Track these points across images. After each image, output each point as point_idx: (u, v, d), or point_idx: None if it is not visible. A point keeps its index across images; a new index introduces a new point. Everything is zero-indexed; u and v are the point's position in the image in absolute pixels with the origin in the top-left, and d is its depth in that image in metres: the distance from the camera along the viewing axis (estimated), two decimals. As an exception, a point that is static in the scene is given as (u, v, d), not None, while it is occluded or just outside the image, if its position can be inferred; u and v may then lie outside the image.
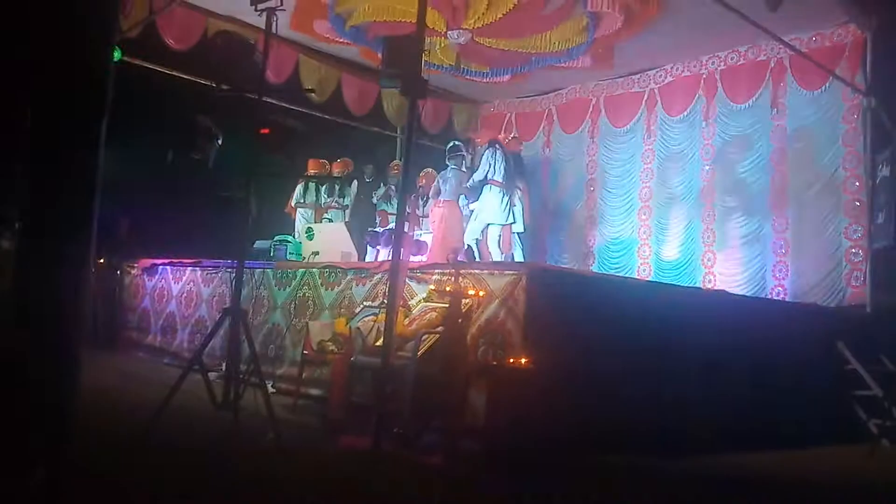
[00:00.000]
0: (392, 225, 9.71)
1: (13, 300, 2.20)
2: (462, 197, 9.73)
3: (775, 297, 8.70)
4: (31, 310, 2.20)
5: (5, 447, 2.15)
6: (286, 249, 8.26)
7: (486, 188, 9.33)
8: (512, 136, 10.47)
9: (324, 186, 10.52)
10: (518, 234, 9.83)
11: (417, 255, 9.42)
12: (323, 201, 10.52)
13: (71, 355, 2.32)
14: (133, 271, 9.79)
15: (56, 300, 2.25)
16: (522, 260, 9.47)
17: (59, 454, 2.27)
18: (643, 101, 10.58)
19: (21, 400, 2.17)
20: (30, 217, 2.23)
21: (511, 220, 9.44)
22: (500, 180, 9.26)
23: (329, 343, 5.80)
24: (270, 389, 5.69)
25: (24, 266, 2.21)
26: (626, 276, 9.85)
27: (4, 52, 2.23)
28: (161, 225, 10.62)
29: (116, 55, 7.74)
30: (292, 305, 7.05)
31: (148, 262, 9.59)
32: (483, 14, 8.46)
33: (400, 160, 11.20)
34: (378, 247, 9.83)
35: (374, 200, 10.71)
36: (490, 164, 9.26)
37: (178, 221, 9.81)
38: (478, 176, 9.30)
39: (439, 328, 4.98)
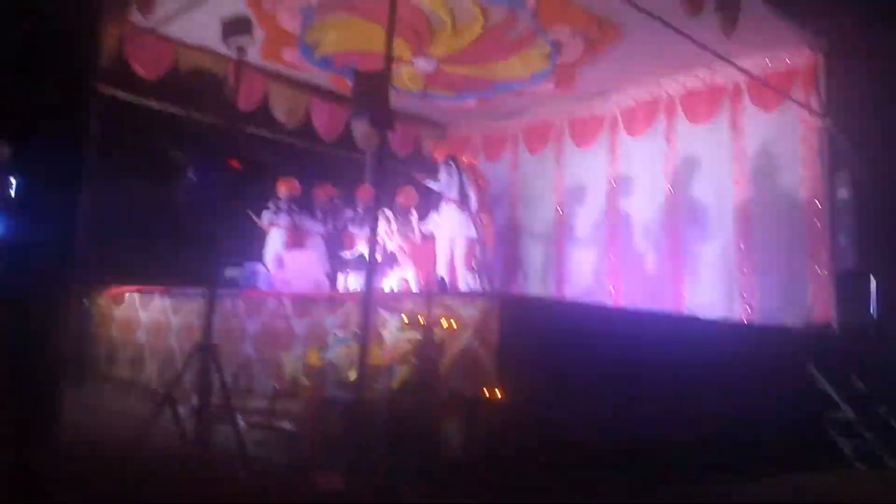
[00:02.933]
0: (359, 248, 9.79)
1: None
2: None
3: (743, 319, 8.84)
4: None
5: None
6: (257, 278, 8.23)
7: (444, 207, 9.42)
8: (471, 161, 10.54)
9: (304, 211, 10.53)
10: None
11: (392, 268, 9.49)
12: (303, 225, 10.51)
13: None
14: (99, 300, 9.67)
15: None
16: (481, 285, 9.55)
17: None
18: (606, 124, 10.74)
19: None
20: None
21: (472, 233, 9.48)
22: (457, 197, 9.35)
23: (301, 376, 5.78)
24: (240, 423, 5.67)
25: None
26: (597, 301, 9.94)
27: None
28: (129, 252, 10.51)
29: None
30: (263, 336, 7.01)
31: (115, 290, 9.48)
32: (448, 42, 8.58)
33: (367, 182, 11.27)
34: (347, 271, 9.84)
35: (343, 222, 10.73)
36: (448, 182, 9.37)
37: (147, 249, 9.72)
38: (437, 187, 9.40)
39: (412, 359, 5.01)
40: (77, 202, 2.45)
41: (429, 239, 9.97)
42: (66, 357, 2.51)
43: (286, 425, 5.90)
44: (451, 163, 9.55)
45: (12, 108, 2.39)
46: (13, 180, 2.74)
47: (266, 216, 10.29)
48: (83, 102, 2.51)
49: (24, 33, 2.38)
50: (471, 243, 9.54)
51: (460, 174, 9.46)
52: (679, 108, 9.92)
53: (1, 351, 2.28)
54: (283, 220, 10.29)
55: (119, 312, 9.26)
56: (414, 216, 10.17)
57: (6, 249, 2.36)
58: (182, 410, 4.80)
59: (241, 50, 5.16)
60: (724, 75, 9.41)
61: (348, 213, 10.79)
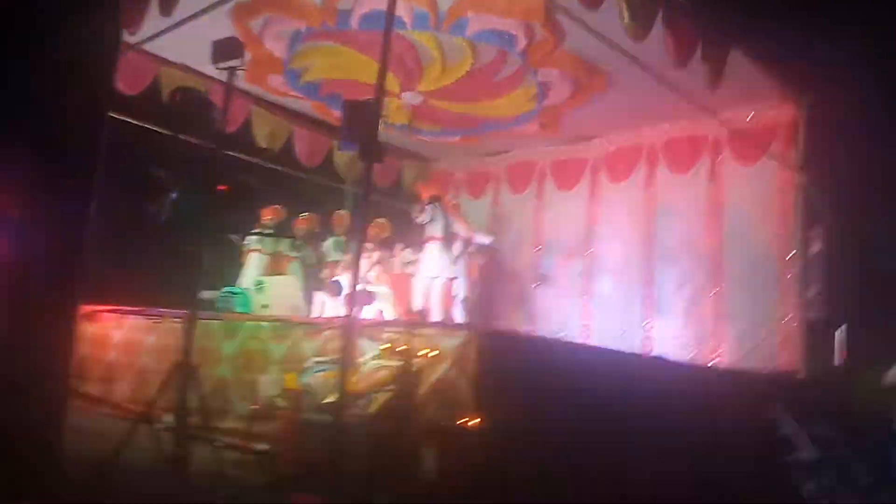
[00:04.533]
0: (338, 276, 9.81)
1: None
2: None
3: (712, 362, 8.97)
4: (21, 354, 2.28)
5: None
6: (234, 301, 8.21)
7: (428, 245, 9.52)
8: (454, 202, 10.62)
9: (286, 240, 10.53)
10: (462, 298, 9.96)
11: (368, 306, 9.52)
12: (285, 251, 10.52)
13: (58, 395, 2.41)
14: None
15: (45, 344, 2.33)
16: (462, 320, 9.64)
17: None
18: (588, 168, 10.92)
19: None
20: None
21: (452, 274, 9.60)
22: (441, 235, 9.45)
23: (278, 398, 5.77)
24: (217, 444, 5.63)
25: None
26: (568, 336, 10.03)
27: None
28: (105, 270, 10.39)
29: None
30: (240, 358, 6.98)
31: (89, 308, 9.37)
32: (437, 78, 8.71)
33: (345, 211, 11.30)
34: (324, 293, 9.82)
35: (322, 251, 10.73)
36: (432, 221, 9.48)
37: (123, 267, 9.67)
38: (431, 231, 9.52)
39: (391, 387, 5.04)
40: (86, 221, 2.50)
41: (408, 271, 10.04)
42: (70, 378, 2.54)
43: (262, 446, 5.88)
44: (436, 203, 9.67)
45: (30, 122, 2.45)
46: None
47: (249, 241, 10.30)
48: (98, 124, 2.57)
49: (46, 49, 2.45)
50: (451, 283, 9.64)
51: (444, 215, 9.59)
52: (660, 157, 10.14)
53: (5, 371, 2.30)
54: (265, 245, 10.31)
55: (92, 330, 9.16)
56: (397, 248, 10.25)
57: (9, 267, 2.39)
58: (158, 429, 4.77)
59: (231, 73, 5.18)
60: (705, 126, 9.63)
61: (327, 241, 10.80)
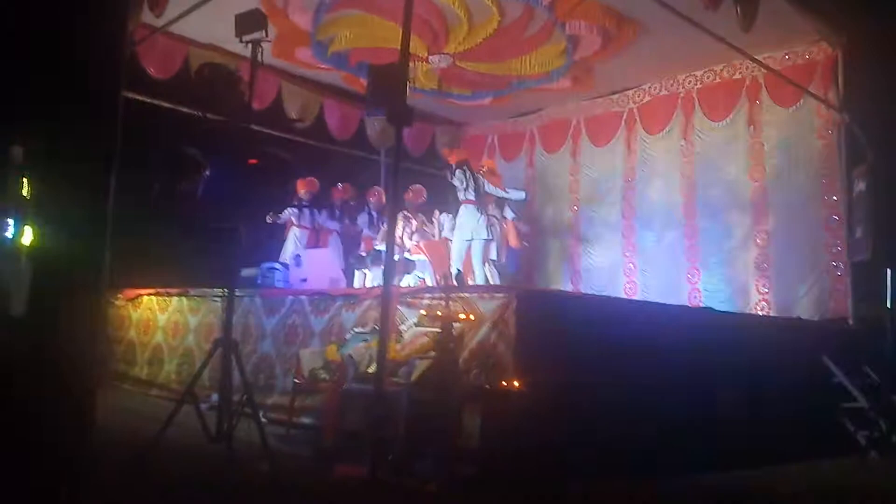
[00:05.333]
0: (377, 247, 9.81)
1: (26, 322, 2.26)
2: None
3: (759, 312, 8.80)
4: (46, 336, 2.26)
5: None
6: (274, 277, 8.26)
7: (462, 208, 9.45)
8: (485, 169, 10.48)
9: (323, 210, 10.57)
10: (493, 260, 9.88)
11: (409, 269, 9.53)
12: (323, 223, 10.58)
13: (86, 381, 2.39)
14: (117, 302, 9.71)
15: (70, 326, 2.31)
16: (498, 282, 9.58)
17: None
18: (623, 121, 10.71)
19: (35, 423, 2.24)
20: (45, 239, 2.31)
21: (489, 236, 9.53)
22: (473, 198, 9.38)
23: (321, 371, 5.79)
24: (262, 419, 5.68)
25: (38, 292, 2.27)
26: (613, 295, 9.92)
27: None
28: (146, 254, 10.54)
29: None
30: (282, 333, 7.04)
31: (133, 292, 9.52)
32: (463, 39, 8.59)
33: (380, 185, 11.27)
34: (364, 269, 9.85)
35: (358, 225, 10.75)
36: (464, 184, 9.40)
37: (163, 250, 9.78)
38: (464, 195, 9.48)
39: (431, 353, 5.01)
40: (107, 207, 2.47)
41: (445, 237, 10.01)
42: (97, 366, 2.53)
43: (306, 420, 5.92)
44: (465, 167, 9.59)
45: (39, 111, 2.40)
46: (25, 181, 2.75)
47: (287, 214, 10.38)
48: (114, 106, 2.53)
49: (51, 34, 2.38)
50: (487, 245, 9.58)
51: (475, 177, 9.51)
52: (696, 104, 9.90)
53: (30, 363, 2.29)
54: (304, 219, 10.37)
55: (137, 314, 9.32)
56: (437, 215, 10.23)
57: (33, 255, 2.37)
58: (204, 406, 4.81)
59: (255, 46, 5.13)
60: (742, 71, 9.42)
61: (363, 215, 10.81)
